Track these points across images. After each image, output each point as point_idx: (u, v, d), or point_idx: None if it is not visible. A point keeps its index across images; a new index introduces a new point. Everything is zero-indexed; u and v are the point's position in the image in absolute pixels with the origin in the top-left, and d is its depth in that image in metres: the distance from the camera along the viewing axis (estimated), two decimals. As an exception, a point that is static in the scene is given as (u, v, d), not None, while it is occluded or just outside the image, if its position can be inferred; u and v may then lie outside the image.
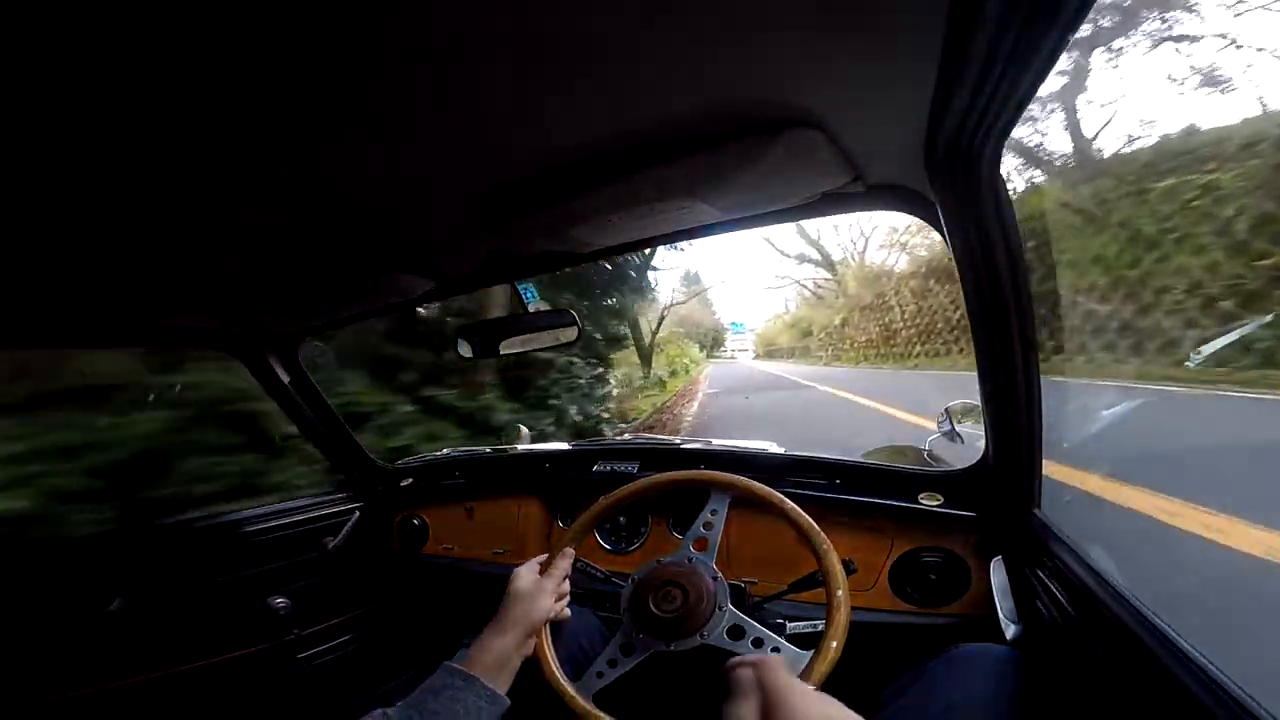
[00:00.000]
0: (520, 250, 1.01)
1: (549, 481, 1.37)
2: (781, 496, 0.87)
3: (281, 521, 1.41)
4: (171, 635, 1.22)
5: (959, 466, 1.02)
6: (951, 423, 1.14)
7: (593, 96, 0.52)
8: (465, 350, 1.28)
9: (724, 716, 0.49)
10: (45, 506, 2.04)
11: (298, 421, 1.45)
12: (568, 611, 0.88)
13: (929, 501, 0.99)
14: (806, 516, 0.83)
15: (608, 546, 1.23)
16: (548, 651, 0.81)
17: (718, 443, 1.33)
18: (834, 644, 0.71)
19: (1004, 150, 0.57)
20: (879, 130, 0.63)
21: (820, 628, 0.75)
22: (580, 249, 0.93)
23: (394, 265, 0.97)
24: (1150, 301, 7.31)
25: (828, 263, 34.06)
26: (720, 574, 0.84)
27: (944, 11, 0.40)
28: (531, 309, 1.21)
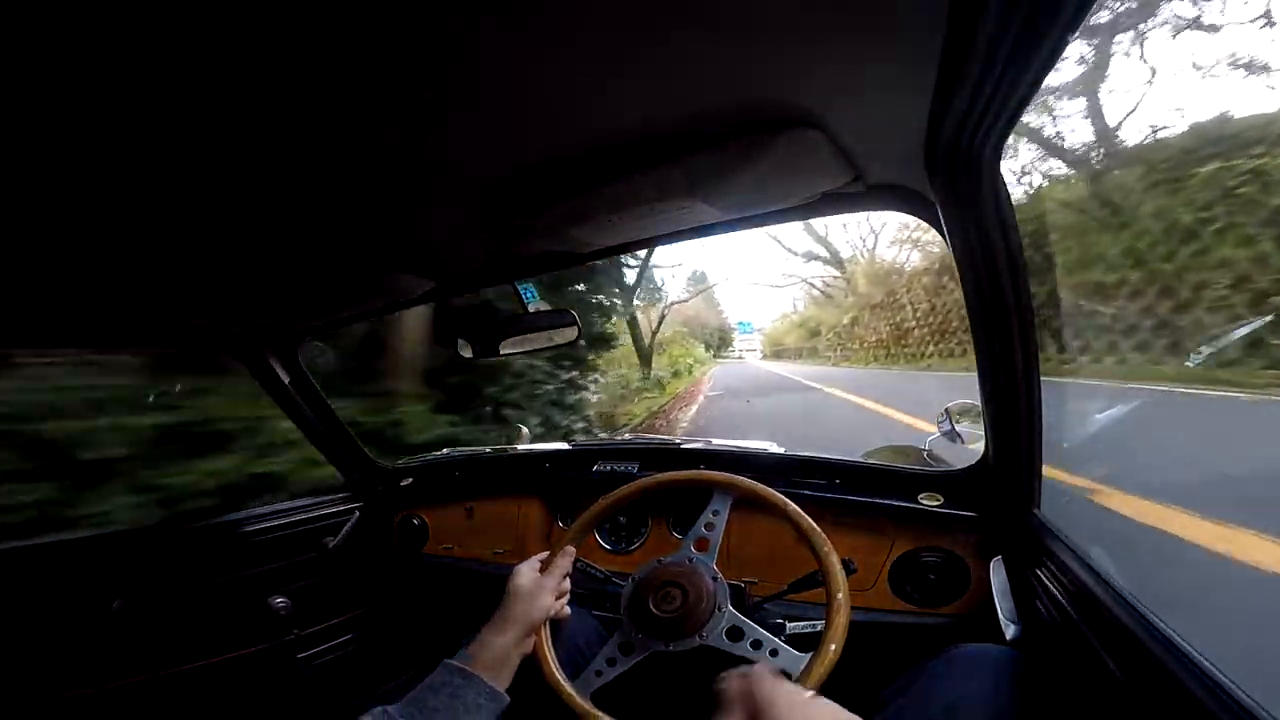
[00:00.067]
0: (520, 250, 1.01)
1: (549, 481, 1.37)
2: (784, 498, 0.87)
3: (281, 521, 1.41)
4: (172, 635, 1.22)
5: (959, 466, 1.02)
6: (951, 423, 1.14)
7: (592, 97, 0.52)
8: (465, 350, 1.28)
9: None
10: None
11: (298, 422, 1.45)
12: (567, 610, 0.88)
13: (929, 501, 0.99)
14: (808, 518, 0.83)
15: (608, 546, 1.23)
16: (547, 650, 0.81)
17: (718, 442, 1.33)
18: (833, 646, 0.71)
19: (1005, 148, 0.56)
20: (879, 130, 0.63)
21: (819, 628, 0.75)
22: (580, 249, 0.93)
23: (394, 265, 0.97)
24: (1189, 298, 6.85)
25: (836, 260, 33.29)
26: (720, 575, 0.84)
27: (944, 11, 0.40)
28: (531, 309, 1.21)
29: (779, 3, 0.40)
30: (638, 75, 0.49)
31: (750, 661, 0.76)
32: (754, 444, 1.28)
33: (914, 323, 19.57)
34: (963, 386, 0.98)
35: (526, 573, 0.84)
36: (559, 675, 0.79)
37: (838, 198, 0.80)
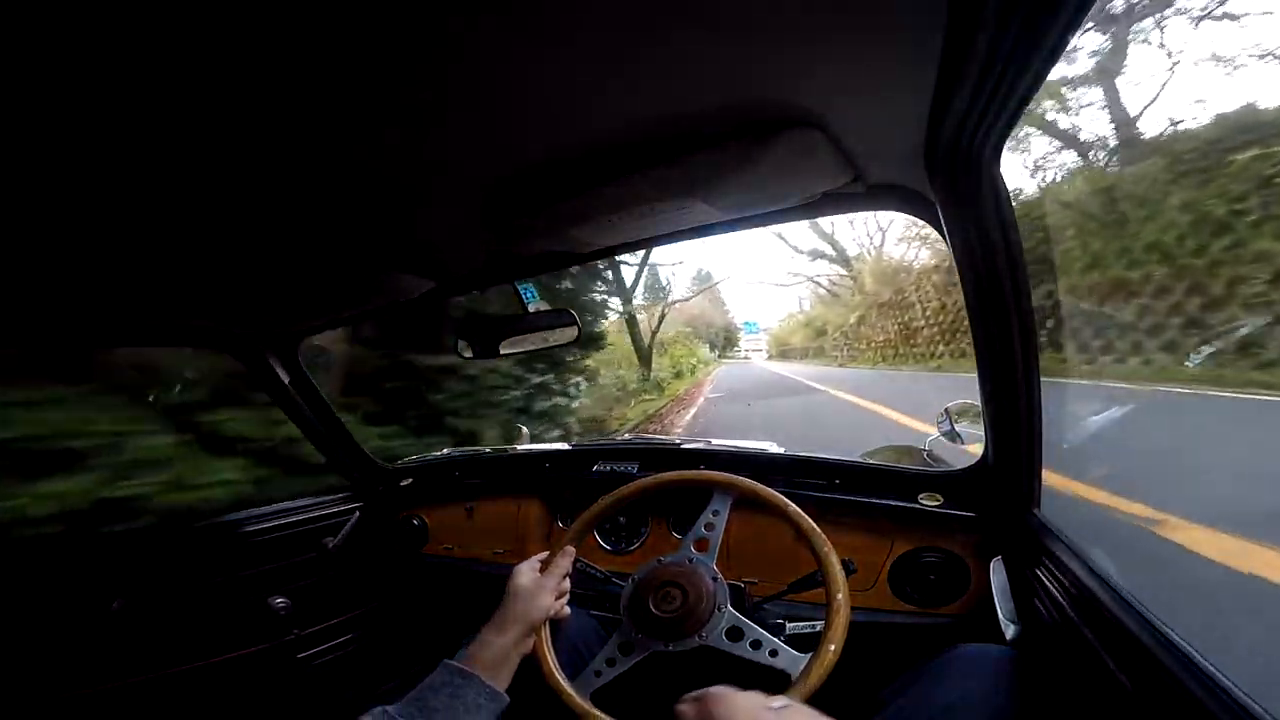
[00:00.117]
0: (520, 250, 1.01)
1: (549, 481, 1.37)
2: (784, 498, 0.87)
3: (281, 521, 1.41)
4: (172, 635, 1.22)
5: (959, 466, 1.02)
6: (951, 423, 1.14)
7: (592, 97, 0.52)
8: (465, 350, 1.28)
9: None
10: None
11: (297, 422, 1.45)
12: (567, 610, 0.88)
13: (929, 502, 0.99)
14: (808, 518, 0.83)
15: (607, 547, 1.23)
16: (547, 650, 0.81)
17: (718, 442, 1.33)
18: (832, 646, 0.71)
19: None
20: (879, 130, 0.63)
21: (819, 629, 0.75)
22: (580, 249, 0.93)
23: (394, 265, 0.97)
24: (1221, 294, 6.46)
25: (843, 258, 32.29)
26: (720, 575, 0.84)
27: (944, 12, 0.40)
28: (531, 309, 1.21)
29: (779, 3, 0.40)
30: (638, 75, 0.49)
31: (750, 661, 0.76)
32: (754, 444, 1.28)
33: (923, 322, 18.80)
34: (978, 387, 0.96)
35: (526, 572, 0.84)
36: (559, 675, 0.79)
37: (838, 198, 0.80)
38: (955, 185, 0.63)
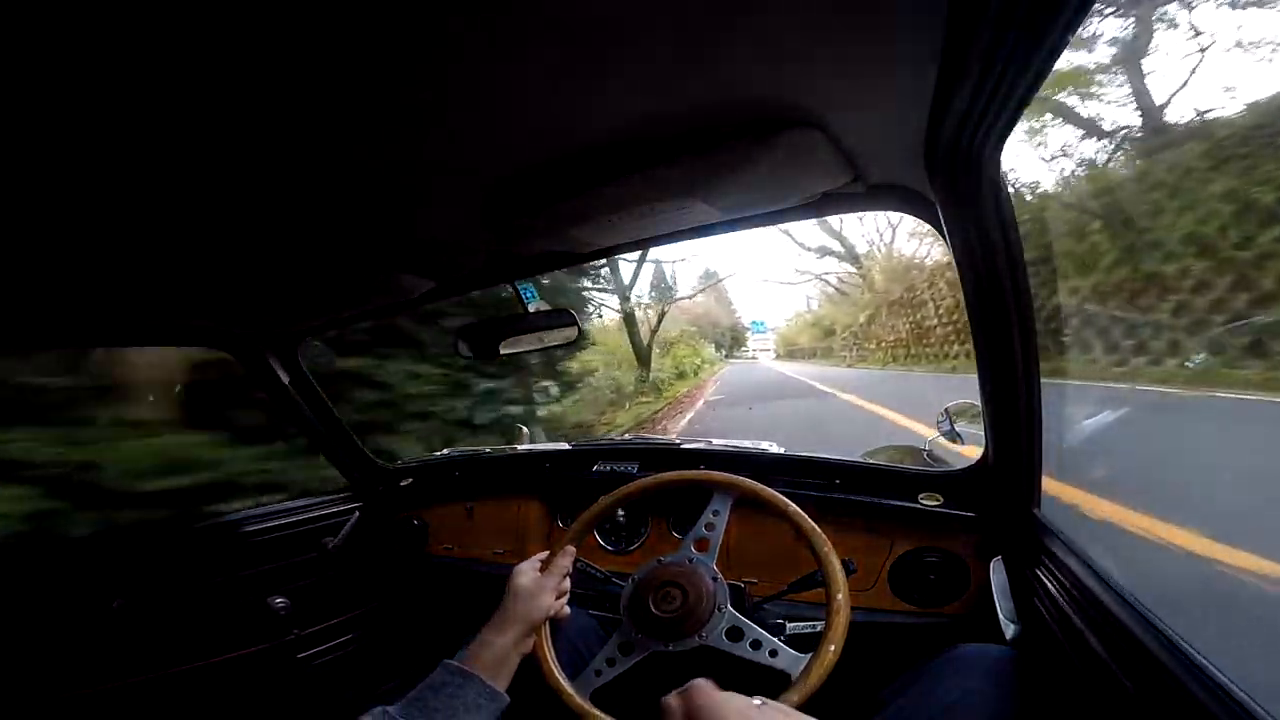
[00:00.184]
0: (520, 250, 1.01)
1: (549, 481, 1.37)
2: (784, 499, 0.87)
3: (281, 521, 1.41)
4: (171, 635, 1.22)
5: (959, 466, 1.02)
6: (951, 423, 1.14)
7: (593, 97, 0.52)
8: (465, 351, 1.28)
9: None
10: None
11: (297, 422, 1.45)
12: (567, 610, 0.88)
13: (929, 502, 0.99)
14: (809, 519, 0.83)
15: (608, 547, 1.23)
16: (547, 649, 0.81)
17: (718, 442, 1.33)
18: (831, 647, 0.71)
19: (1003, 148, 0.56)
20: (879, 130, 0.63)
21: (819, 629, 0.75)
22: (580, 249, 0.93)
23: (394, 265, 0.97)
24: (1273, 289, 5.85)
25: (851, 255, 30.73)
26: (720, 575, 0.84)
27: (944, 11, 0.40)
28: (532, 309, 1.21)
29: (779, 3, 0.40)
30: (638, 75, 0.49)
31: (750, 662, 0.76)
32: (753, 444, 1.28)
33: (936, 320, 17.72)
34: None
35: (527, 572, 0.84)
36: (558, 675, 0.79)
37: (838, 198, 0.80)
38: (955, 185, 0.62)
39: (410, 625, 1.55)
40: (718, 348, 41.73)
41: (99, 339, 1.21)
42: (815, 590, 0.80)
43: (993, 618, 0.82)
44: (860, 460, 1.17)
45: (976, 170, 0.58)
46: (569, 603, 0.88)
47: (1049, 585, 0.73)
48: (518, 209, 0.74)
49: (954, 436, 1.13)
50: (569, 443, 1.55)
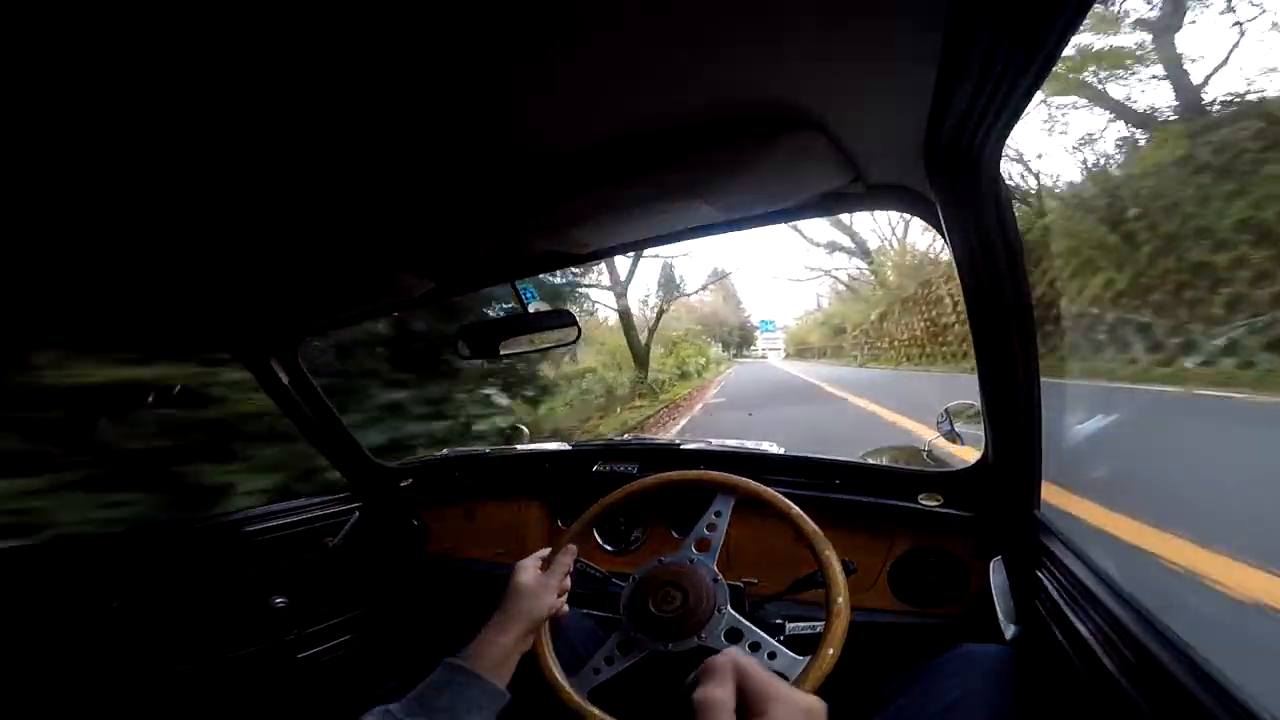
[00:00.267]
0: (520, 250, 1.01)
1: (549, 482, 1.37)
2: (786, 500, 0.87)
3: (281, 521, 1.41)
4: (172, 635, 1.22)
5: (958, 467, 1.02)
6: (951, 423, 1.14)
7: (593, 97, 0.52)
8: (464, 350, 1.28)
9: (696, 699, 0.44)
10: None
11: (297, 422, 1.45)
12: (568, 608, 0.88)
13: (928, 502, 0.99)
14: (810, 521, 0.83)
15: (608, 547, 1.23)
16: (546, 648, 0.81)
17: (718, 443, 1.33)
18: (830, 650, 0.71)
19: (1005, 147, 0.56)
20: (879, 130, 0.63)
21: (819, 630, 0.75)
22: (580, 249, 0.93)
23: (394, 265, 0.97)
24: None
25: (862, 250, 28.67)
26: (720, 575, 0.84)
27: (944, 12, 0.40)
28: (532, 309, 1.21)
29: (779, 3, 0.40)
30: (638, 75, 0.49)
31: None
32: (754, 444, 1.28)
33: (953, 317, 16.34)
34: (1051, 394, 0.76)
35: (529, 569, 0.84)
36: (557, 673, 0.79)
37: (838, 198, 0.80)
38: (955, 185, 0.63)
39: (410, 625, 1.55)
40: (725, 347, 41.38)
41: (99, 339, 1.22)
42: (815, 591, 0.80)
43: (992, 618, 0.82)
44: (860, 460, 1.17)
45: (976, 170, 0.58)
46: (568, 602, 0.88)
47: (1049, 586, 0.73)
48: (518, 209, 0.74)
49: (953, 436, 1.13)
50: (569, 443, 1.55)
